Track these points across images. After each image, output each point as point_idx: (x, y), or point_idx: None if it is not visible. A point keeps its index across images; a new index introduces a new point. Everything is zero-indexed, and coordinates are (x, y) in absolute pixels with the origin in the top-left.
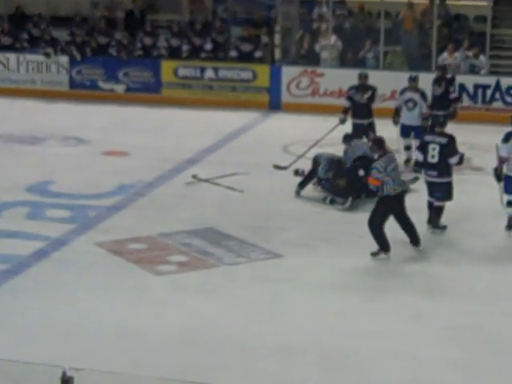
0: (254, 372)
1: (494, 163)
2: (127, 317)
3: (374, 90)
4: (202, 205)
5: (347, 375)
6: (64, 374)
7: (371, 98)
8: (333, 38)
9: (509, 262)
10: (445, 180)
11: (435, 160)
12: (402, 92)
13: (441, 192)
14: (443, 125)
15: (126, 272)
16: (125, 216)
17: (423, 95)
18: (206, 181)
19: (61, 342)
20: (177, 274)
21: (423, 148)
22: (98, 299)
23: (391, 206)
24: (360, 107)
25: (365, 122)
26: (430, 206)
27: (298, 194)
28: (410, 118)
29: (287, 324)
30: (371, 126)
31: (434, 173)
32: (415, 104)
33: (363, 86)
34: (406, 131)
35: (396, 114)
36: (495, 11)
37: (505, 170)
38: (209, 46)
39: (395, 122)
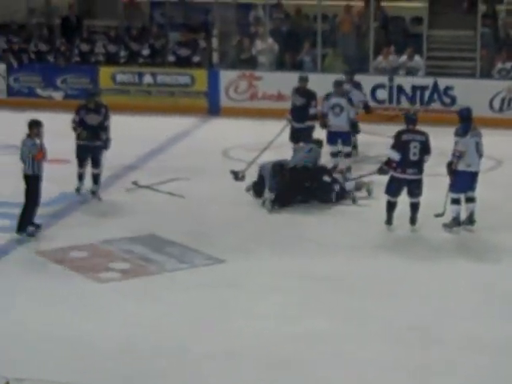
0: (199, 378)
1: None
2: (70, 325)
3: (309, 96)
4: (143, 211)
5: (293, 378)
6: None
7: (306, 105)
8: (269, 41)
9: (450, 262)
10: (421, 177)
11: (416, 158)
12: (328, 97)
13: (418, 188)
14: (416, 122)
15: (67, 280)
16: (66, 224)
17: (350, 100)
18: (147, 187)
19: (2, 352)
20: (119, 282)
21: (402, 147)
22: (40, 308)
23: None
24: (297, 110)
25: (301, 125)
26: (412, 205)
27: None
28: (338, 123)
29: (231, 329)
30: (308, 130)
31: (415, 170)
32: (342, 109)
33: (302, 90)
34: (332, 138)
35: (323, 119)
36: (431, 12)
37: (459, 165)
38: (146, 52)
39: (324, 126)
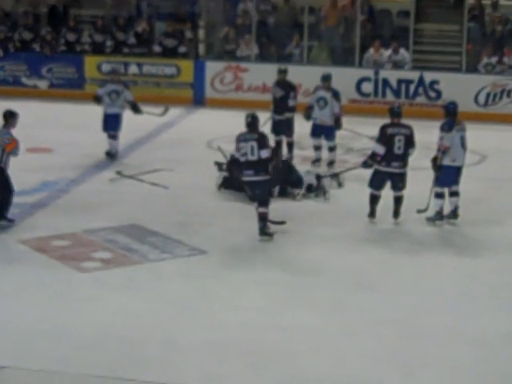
0: (181, 367)
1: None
2: (51, 314)
3: (288, 88)
4: (127, 201)
5: (273, 370)
6: None
7: (285, 97)
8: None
9: (432, 255)
10: (405, 170)
11: (401, 151)
12: (315, 90)
13: (402, 182)
14: (400, 116)
15: (49, 269)
16: (48, 213)
17: (335, 95)
18: (130, 177)
19: None
20: (101, 271)
21: (387, 141)
22: (22, 296)
23: None
24: (277, 102)
25: (281, 117)
26: (396, 198)
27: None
28: (321, 117)
29: (212, 320)
30: (288, 122)
31: (399, 164)
32: (326, 103)
33: (281, 82)
34: (316, 131)
35: (308, 110)
36: (418, 6)
37: (444, 160)
38: (132, 41)
39: (308, 118)
